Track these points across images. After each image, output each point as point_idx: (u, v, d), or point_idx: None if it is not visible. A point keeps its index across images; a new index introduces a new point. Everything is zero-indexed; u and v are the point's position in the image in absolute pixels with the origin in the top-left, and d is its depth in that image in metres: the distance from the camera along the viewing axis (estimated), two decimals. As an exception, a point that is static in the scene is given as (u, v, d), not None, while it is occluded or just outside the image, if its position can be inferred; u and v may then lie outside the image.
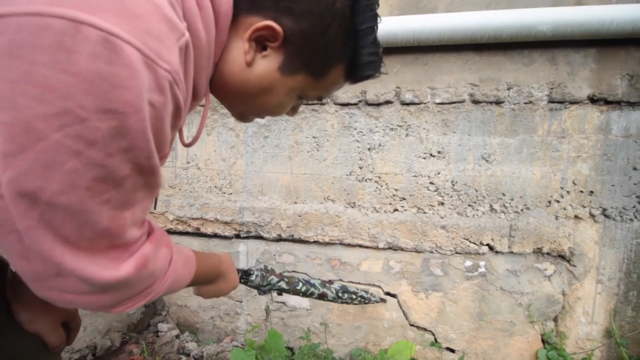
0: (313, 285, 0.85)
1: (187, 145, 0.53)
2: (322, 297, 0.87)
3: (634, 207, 1.29)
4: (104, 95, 0.30)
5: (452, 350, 1.43)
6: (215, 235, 1.58)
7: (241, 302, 1.60)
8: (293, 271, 1.54)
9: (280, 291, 0.84)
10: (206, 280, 0.66)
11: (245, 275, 0.79)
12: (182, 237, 1.63)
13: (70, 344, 0.65)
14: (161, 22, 0.32)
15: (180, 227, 1.60)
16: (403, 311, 1.46)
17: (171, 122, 0.38)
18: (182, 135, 0.52)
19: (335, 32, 0.45)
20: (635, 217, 1.30)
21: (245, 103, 0.51)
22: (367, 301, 0.92)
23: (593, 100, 1.27)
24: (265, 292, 0.82)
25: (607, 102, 1.27)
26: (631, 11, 1.15)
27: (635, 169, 1.28)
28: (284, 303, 1.56)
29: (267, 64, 0.46)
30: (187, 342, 1.56)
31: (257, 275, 0.79)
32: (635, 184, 1.29)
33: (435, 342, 1.42)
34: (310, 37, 0.45)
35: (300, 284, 0.84)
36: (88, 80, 0.29)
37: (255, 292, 1.58)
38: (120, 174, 0.34)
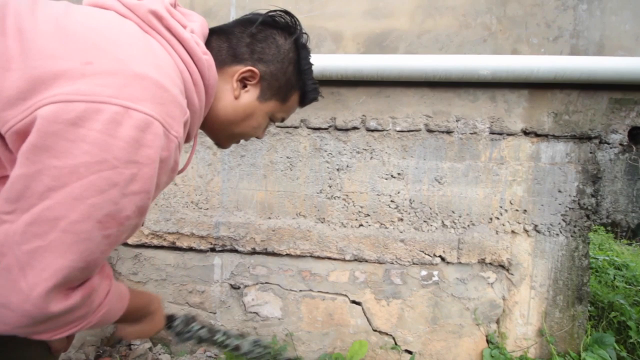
0: (229, 337, 0.87)
1: (178, 173, 0.66)
2: (236, 349, 0.88)
3: (559, 223, 1.53)
4: (134, 150, 0.44)
5: (410, 352, 1.59)
6: (191, 249, 1.64)
7: (215, 313, 1.67)
8: (266, 282, 1.63)
9: (200, 340, 0.84)
10: (135, 318, 0.68)
11: (168, 321, 0.80)
12: (157, 251, 1.67)
13: (67, 350, 0.73)
14: (176, 108, 0.49)
15: (155, 241, 1.65)
16: (367, 317, 1.60)
17: (169, 174, 0.53)
18: None
19: (291, 71, 0.68)
20: (561, 232, 1.54)
21: (233, 128, 0.69)
22: (277, 358, 0.95)
23: (526, 133, 1.50)
24: (184, 340, 0.83)
25: (537, 135, 1.51)
26: (553, 62, 1.39)
27: (559, 191, 1.52)
28: (257, 313, 1.65)
29: (249, 96, 0.67)
30: (160, 354, 1.60)
31: (180, 322, 0.81)
32: (560, 204, 1.53)
33: (395, 345, 1.57)
34: (276, 75, 0.67)
35: (219, 335, 0.86)
36: (125, 141, 0.43)
37: (229, 303, 1.66)
38: (124, 213, 0.46)
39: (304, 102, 0.75)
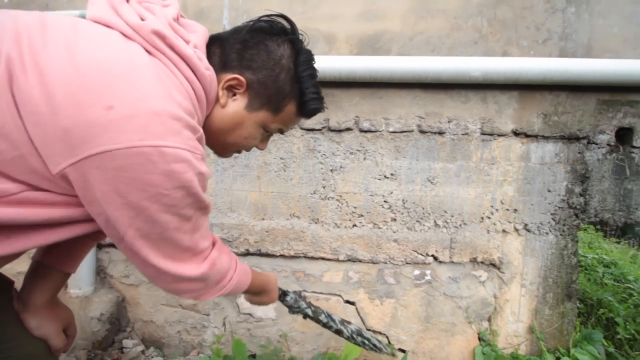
0: (333, 321, 1.02)
1: None
2: (338, 332, 1.01)
3: (549, 222, 1.56)
4: (175, 179, 0.51)
5: (403, 351, 1.60)
6: (184, 251, 1.63)
7: (208, 315, 1.66)
8: (260, 283, 1.63)
9: (305, 316, 0.99)
10: (257, 291, 0.90)
11: (282, 295, 0.97)
12: (150, 253, 1.66)
13: (68, 349, 0.75)
14: (190, 130, 0.54)
15: (148, 243, 1.63)
16: (361, 317, 1.61)
17: (207, 180, 0.61)
18: None
19: (284, 79, 0.65)
20: (550, 231, 1.56)
21: (223, 137, 0.69)
22: (377, 350, 1.06)
23: (516, 133, 1.53)
24: (294, 313, 0.98)
25: (527, 136, 1.53)
26: (542, 64, 1.42)
27: (549, 191, 1.55)
28: (250, 314, 1.64)
29: (236, 105, 0.65)
30: (152, 357, 1.59)
31: (291, 297, 0.97)
32: (549, 204, 1.55)
33: (389, 344, 1.58)
34: (265, 83, 0.64)
35: (323, 316, 1.00)
36: (166, 175, 0.50)
37: (223, 304, 1.65)
38: (189, 214, 0.57)
39: (303, 113, 0.71)
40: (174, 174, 0.50)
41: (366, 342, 1.03)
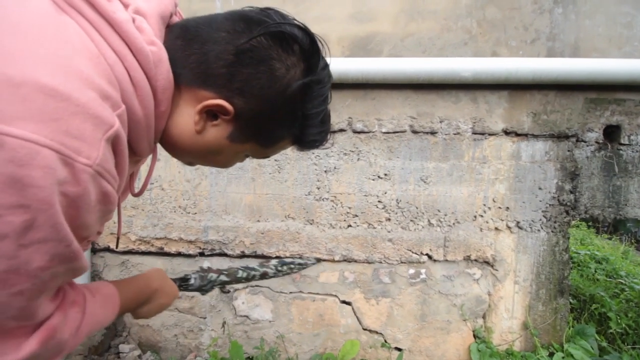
0: (253, 269, 0.88)
1: (135, 195, 0.58)
2: (264, 276, 0.89)
3: (540, 220, 1.58)
4: (17, 193, 0.32)
5: (400, 349, 1.61)
6: (179, 254, 1.63)
7: (205, 318, 1.66)
8: (256, 285, 1.64)
9: (223, 284, 0.85)
10: (138, 305, 0.66)
11: (183, 282, 0.79)
12: (145, 257, 1.66)
13: None
14: (85, 121, 0.35)
15: (143, 247, 1.63)
16: (357, 317, 1.62)
17: (98, 207, 0.40)
18: (132, 185, 0.59)
19: (285, 114, 0.50)
20: (542, 228, 1.59)
21: (195, 158, 0.55)
22: (304, 266, 0.96)
23: (506, 132, 1.55)
24: (207, 291, 0.83)
25: (517, 135, 1.55)
26: (531, 64, 1.44)
27: (540, 188, 1.57)
28: (247, 317, 1.65)
29: (216, 132, 0.49)
30: (149, 361, 1.58)
31: (195, 278, 0.80)
32: (540, 201, 1.58)
33: (385, 343, 1.59)
34: (259, 116, 0.48)
35: (240, 272, 0.86)
36: (4, 182, 0.31)
37: (219, 307, 1.65)
38: (34, 265, 0.35)
39: (298, 148, 0.57)
40: (14, 183, 0.31)
41: (293, 266, 0.95)
